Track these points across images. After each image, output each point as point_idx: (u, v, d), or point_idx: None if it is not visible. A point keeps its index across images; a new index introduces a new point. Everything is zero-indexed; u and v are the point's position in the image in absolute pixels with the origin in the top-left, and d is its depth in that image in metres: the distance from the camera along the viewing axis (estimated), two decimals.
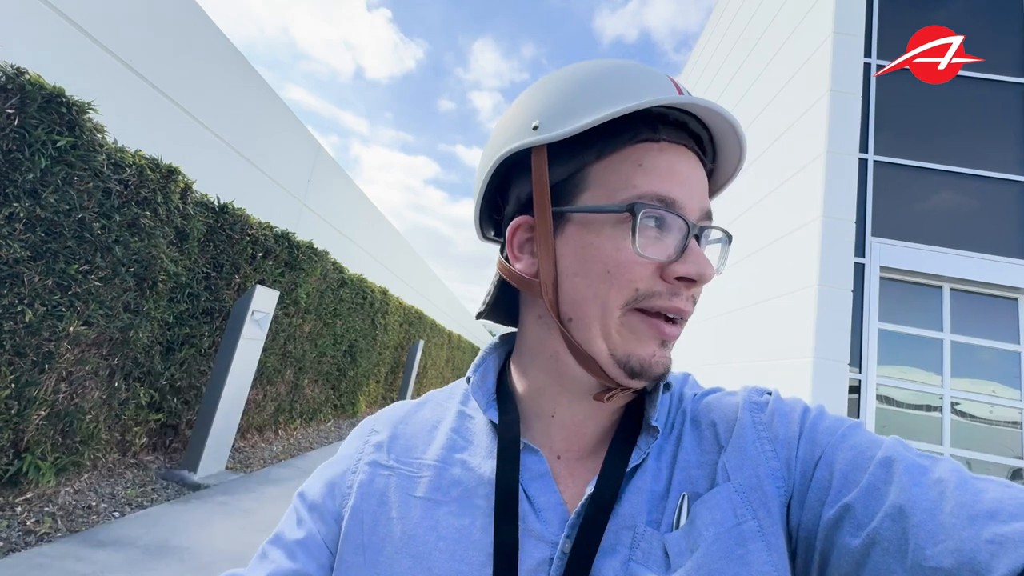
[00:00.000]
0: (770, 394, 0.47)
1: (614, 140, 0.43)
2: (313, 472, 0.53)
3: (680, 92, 0.42)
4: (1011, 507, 0.31)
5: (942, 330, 6.34)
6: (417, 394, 11.34)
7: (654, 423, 0.45)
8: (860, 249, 6.32)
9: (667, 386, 0.49)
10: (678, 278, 0.41)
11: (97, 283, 2.79)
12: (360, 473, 0.49)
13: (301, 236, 5.07)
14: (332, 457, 0.53)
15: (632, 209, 0.41)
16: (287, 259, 4.77)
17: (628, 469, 0.43)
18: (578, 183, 0.44)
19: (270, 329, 4.56)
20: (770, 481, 0.40)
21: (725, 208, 9.02)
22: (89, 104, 2.61)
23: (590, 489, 0.42)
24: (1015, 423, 6.09)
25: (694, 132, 0.45)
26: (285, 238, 4.71)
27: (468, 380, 0.53)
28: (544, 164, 0.45)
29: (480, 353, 0.55)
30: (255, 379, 4.52)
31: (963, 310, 6.40)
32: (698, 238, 0.43)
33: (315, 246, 5.24)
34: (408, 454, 0.49)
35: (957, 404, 6.23)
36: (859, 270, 6.29)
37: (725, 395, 0.48)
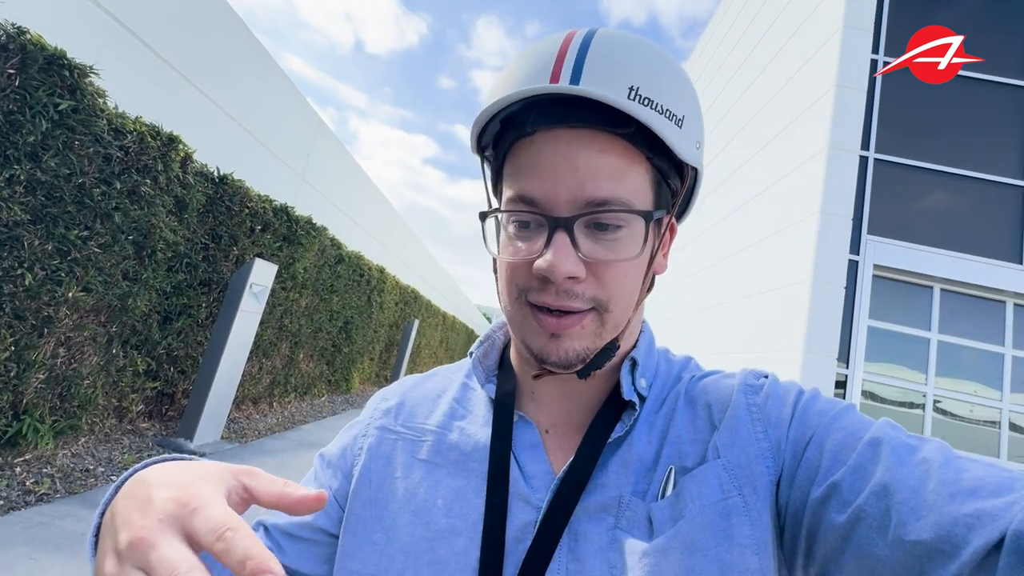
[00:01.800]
0: (767, 377, 0.47)
1: (504, 141, 0.45)
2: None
3: (557, 77, 0.40)
4: (991, 484, 0.32)
5: (930, 329, 6.45)
6: (411, 373, 11.42)
7: (627, 397, 0.47)
8: (855, 246, 6.38)
9: (633, 363, 0.49)
10: (537, 273, 0.41)
11: (96, 249, 2.79)
12: (370, 436, 0.53)
13: (299, 211, 5.05)
14: (351, 421, 0.58)
15: (482, 217, 0.47)
16: (285, 233, 4.76)
17: (612, 440, 0.46)
18: (499, 188, 0.47)
19: (267, 303, 4.57)
20: (759, 461, 0.42)
21: (723, 200, 9.04)
22: (91, 68, 2.58)
23: (571, 459, 0.45)
24: (994, 423, 6.25)
25: (593, 102, 0.40)
26: (284, 212, 4.69)
27: (471, 355, 0.56)
28: (482, 168, 0.51)
29: (487, 330, 0.58)
30: (251, 352, 4.54)
31: (951, 311, 6.50)
32: (569, 229, 0.41)
33: (314, 221, 5.23)
34: (413, 419, 0.54)
35: (939, 402, 6.37)
36: (853, 267, 6.36)
37: (723, 377, 0.49)
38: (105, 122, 2.69)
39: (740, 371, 0.49)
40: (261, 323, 4.57)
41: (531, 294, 0.43)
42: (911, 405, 6.38)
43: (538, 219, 0.42)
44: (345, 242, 6.48)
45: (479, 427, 0.51)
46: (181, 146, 3.31)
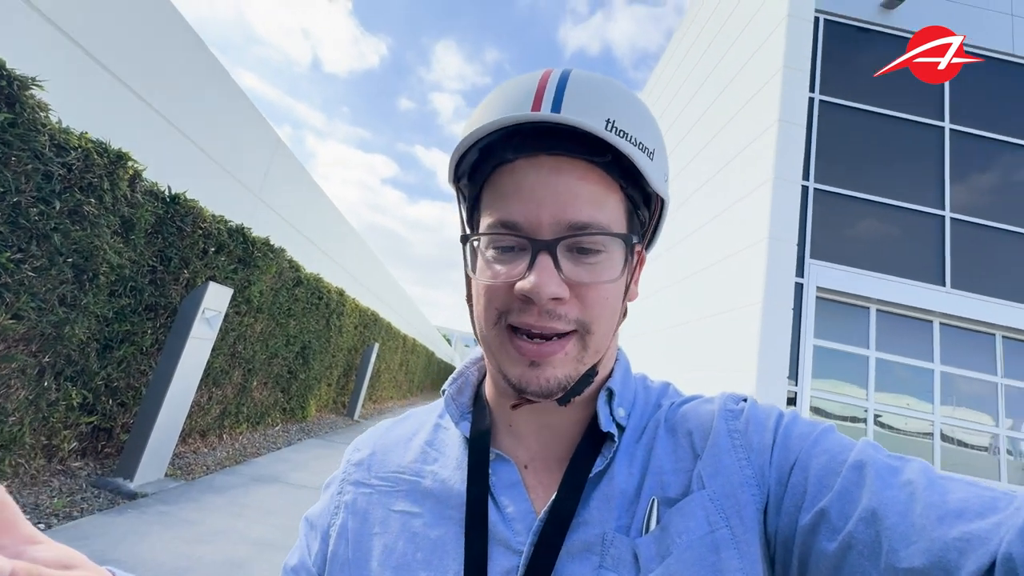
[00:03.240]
0: (745, 400, 0.47)
1: (483, 170, 0.45)
2: None
3: (539, 106, 0.42)
4: (976, 505, 0.33)
5: (868, 348, 6.88)
6: (370, 398, 11.05)
7: (605, 429, 0.46)
8: (800, 270, 6.77)
9: (610, 393, 0.48)
10: (522, 294, 0.41)
11: (31, 273, 2.57)
12: (345, 494, 0.52)
13: (256, 232, 4.86)
14: (329, 477, 0.57)
15: (463, 241, 0.47)
16: (241, 255, 4.55)
17: (593, 475, 0.44)
18: (476, 215, 0.47)
19: (220, 328, 4.34)
20: (744, 489, 0.41)
21: (677, 227, 9.41)
22: (33, 79, 2.42)
23: (554, 496, 0.44)
24: (928, 434, 6.68)
25: (573, 131, 0.41)
26: (240, 233, 4.50)
27: (443, 393, 0.54)
28: (457, 197, 0.51)
29: (459, 367, 0.57)
30: (201, 380, 4.27)
31: (887, 330, 6.97)
32: (552, 252, 0.41)
33: (271, 243, 5.04)
34: (385, 469, 0.52)
35: (879, 416, 6.77)
36: (798, 289, 6.73)
37: (702, 403, 0.49)
38: (47, 137, 2.51)
39: (719, 395, 0.49)
40: (212, 350, 4.32)
41: (512, 316, 0.43)
42: (854, 419, 6.74)
43: (521, 242, 0.42)
44: (304, 264, 6.27)
45: (453, 470, 0.49)
46: (130, 163, 3.13)
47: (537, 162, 0.43)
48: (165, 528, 2.81)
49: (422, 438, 0.54)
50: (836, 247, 7.02)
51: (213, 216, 4.19)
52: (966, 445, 6.70)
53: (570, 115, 0.41)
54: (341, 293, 7.70)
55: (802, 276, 6.82)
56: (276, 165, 7.48)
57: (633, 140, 0.43)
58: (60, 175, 2.63)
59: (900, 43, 7.49)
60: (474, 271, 0.47)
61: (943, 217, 7.15)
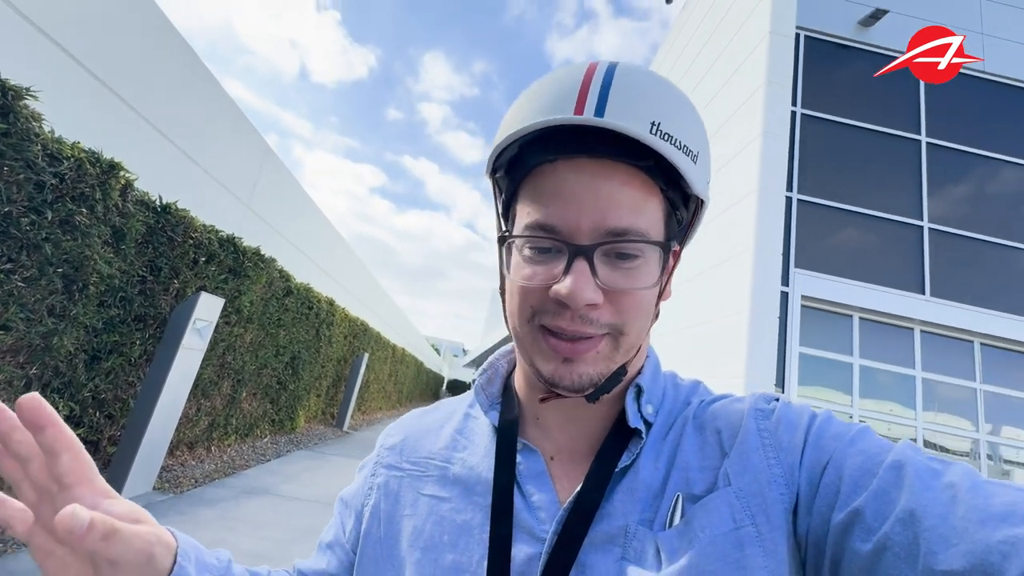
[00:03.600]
0: (777, 400, 0.47)
1: (521, 169, 0.45)
2: None
3: (582, 108, 0.41)
4: (1022, 510, 0.31)
5: (852, 355, 7.02)
6: (359, 409, 10.94)
7: (632, 425, 0.46)
8: (785, 279, 6.90)
9: (639, 390, 0.49)
10: (557, 297, 0.42)
11: (20, 284, 2.54)
12: (379, 476, 0.55)
13: (246, 242, 4.85)
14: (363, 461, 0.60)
15: (500, 241, 0.47)
16: (232, 265, 4.53)
17: (618, 469, 0.45)
18: (513, 210, 0.48)
19: (209, 339, 4.30)
20: (772, 488, 0.40)
21: None
22: (27, 90, 2.42)
23: (579, 488, 0.44)
24: (912, 440, 6.81)
25: (615, 134, 0.41)
26: (231, 243, 4.48)
27: (473, 383, 0.56)
28: (494, 190, 0.51)
29: (489, 358, 0.58)
30: (190, 392, 4.22)
31: (869, 337, 7.11)
32: (589, 257, 0.41)
33: (262, 252, 5.02)
34: (416, 454, 0.54)
35: (863, 422, 6.89)
36: (784, 298, 6.86)
37: (732, 402, 0.49)
38: (40, 147, 2.50)
39: (750, 395, 0.49)
40: (202, 361, 4.28)
41: (545, 318, 0.43)
42: None
43: (558, 245, 0.42)
44: (294, 273, 6.24)
45: (480, 457, 0.50)
46: (122, 173, 3.12)
47: (578, 165, 0.42)
48: None
49: (452, 426, 0.55)
50: (820, 257, 7.17)
51: (204, 226, 4.17)
52: (947, 450, 6.84)
53: (614, 119, 0.40)
54: (331, 303, 7.66)
55: (787, 285, 6.95)
56: (266, 175, 7.46)
57: (678, 144, 0.42)
58: (52, 185, 2.62)
59: (877, 59, 7.75)
60: (508, 269, 0.47)
61: (922, 227, 7.35)
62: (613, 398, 0.48)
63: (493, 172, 0.49)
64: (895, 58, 7.76)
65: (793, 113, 7.44)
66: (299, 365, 6.77)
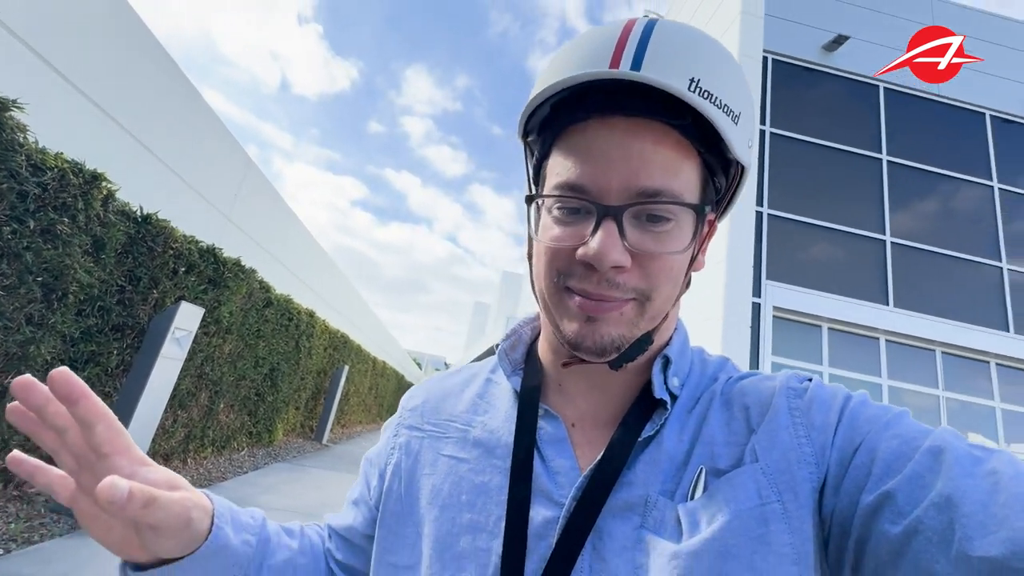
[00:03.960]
0: (810, 380, 0.45)
1: (553, 129, 0.45)
2: None
3: (617, 62, 0.40)
4: None
5: (822, 364, 7.27)
6: (338, 422, 10.83)
7: (658, 395, 0.45)
8: (757, 290, 7.15)
9: (666, 361, 0.47)
10: (582, 259, 0.41)
11: (0, 292, 2.56)
12: (401, 436, 0.56)
13: (227, 252, 4.87)
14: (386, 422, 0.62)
15: (528, 201, 0.47)
16: (212, 275, 4.55)
17: (641, 439, 0.44)
18: (543, 171, 0.47)
19: (188, 349, 4.29)
20: (801, 466, 0.39)
21: None
22: (13, 102, 2.46)
23: (600, 455, 0.44)
24: None
25: (652, 89, 0.39)
26: (211, 253, 4.51)
27: (497, 347, 0.55)
28: (525, 153, 0.51)
29: (513, 325, 0.57)
30: (167, 402, 4.20)
31: (838, 346, 7.38)
32: (618, 218, 0.40)
33: (242, 263, 5.04)
34: (437, 416, 0.55)
35: None
36: (756, 309, 7.09)
37: (763, 379, 0.47)
38: (24, 158, 2.54)
39: (781, 374, 0.47)
40: (180, 371, 4.27)
41: (571, 280, 0.42)
42: None
43: (587, 206, 0.41)
44: (274, 285, 6.25)
45: (501, 421, 0.50)
46: (104, 183, 3.16)
47: (611, 123, 0.41)
48: None
49: (473, 390, 0.56)
50: (790, 269, 7.44)
51: (184, 236, 4.20)
52: None
53: (651, 73, 0.38)
54: (311, 314, 7.65)
55: (759, 296, 7.19)
56: (247, 186, 7.47)
57: (718, 102, 0.40)
58: (35, 195, 2.65)
59: (841, 81, 8.16)
60: (536, 232, 0.46)
61: (884, 241, 7.68)
62: (639, 368, 0.48)
63: (525, 135, 0.49)
64: (858, 81, 8.19)
65: (762, 132, 7.78)
66: (278, 377, 6.74)
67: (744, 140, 0.44)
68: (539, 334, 0.56)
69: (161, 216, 3.99)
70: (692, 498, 0.41)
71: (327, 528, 0.59)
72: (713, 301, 6.86)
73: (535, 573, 0.41)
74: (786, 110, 8.00)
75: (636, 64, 0.39)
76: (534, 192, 0.48)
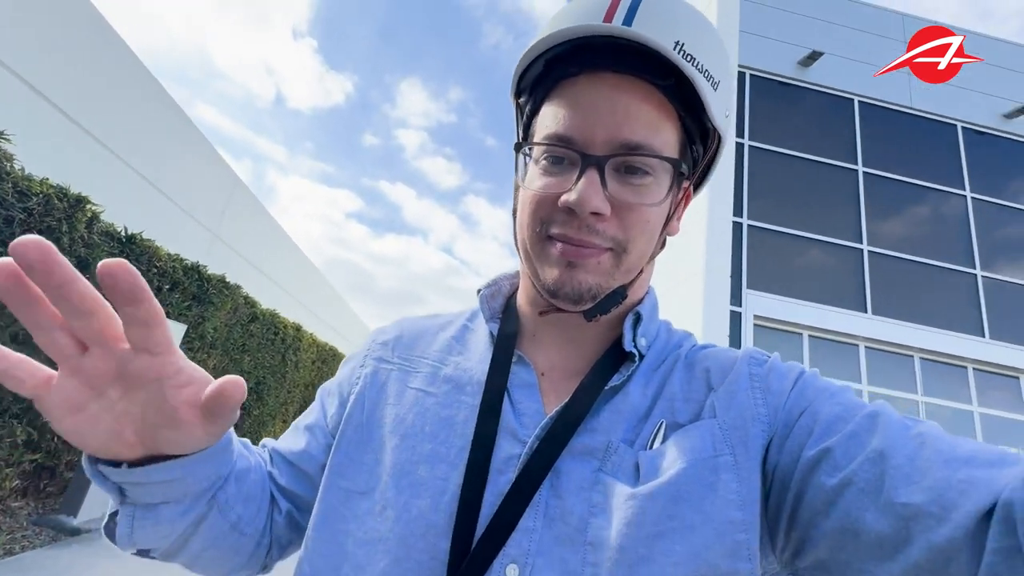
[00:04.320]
0: (770, 356, 0.49)
1: (545, 84, 0.47)
2: None
3: (611, 17, 0.42)
4: (985, 456, 0.33)
5: None
6: None
7: (628, 348, 0.48)
8: (737, 299, 7.30)
9: (638, 317, 0.50)
10: (566, 206, 0.43)
11: None
12: (367, 367, 0.56)
13: (213, 268, 4.99)
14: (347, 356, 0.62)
15: (516, 148, 0.49)
16: (196, 292, 4.66)
17: (608, 387, 0.46)
18: (533, 127, 0.49)
19: None
20: (754, 424, 0.43)
21: None
22: (1, 133, 2.60)
23: (566, 400, 0.46)
24: None
25: (640, 49, 0.42)
26: (195, 271, 4.63)
27: (478, 292, 0.57)
28: (515, 107, 0.52)
29: (494, 276, 0.59)
30: None
31: (818, 354, 7.52)
32: (600, 168, 0.42)
33: (227, 279, 5.16)
34: (409, 351, 0.56)
35: None
36: (736, 317, 7.24)
37: (725, 350, 0.51)
38: (10, 185, 2.68)
39: (742, 349, 0.51)
40: None
41: (554, 226, 0.45)
42: None
43: (571, 155, 0.44)
44: (260, 300, 6.36)
45: (475, 363, 0.52)
46: (88, 206, 3.29)
47: (600, 78, 0.43)
48: (111, 559, 2.85)
49: (449, 333, 0.57)
50: (770, 278, 7.59)
51: (169, 255, 4.32)
52: None
53: (641, 30, 0.41)
54: (298, 328, 7.75)
55: (740, 305, 7.34)
56: (234, 203, 7.61)
57: (700, 67, 0.42)
58: (20, 219, 2.78)
59: (816, 95, 8.40)
60: (523, 181, 0.49)
61: (862, 250, 7.86)
62: (611, 322, 0.51)
63: (517, 94, 0.51)
64: (833, 95, 8.44)
65: (742, 145, 7.99)
66: (264, 391, 6.82)
67: (722, 108, 0.47)
68: (517, 288, 0.58)
69: (148, 235, 4.11)
70: (651, 448, 0.43)
71: (269, 451, 0.57)
72: (692, 312, 7.01)
73: (492, 505, 0.43)
74: (764, 124, 8.21)
75: (628, 20, 0.42)
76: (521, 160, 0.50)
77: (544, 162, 0.46)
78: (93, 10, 4.48)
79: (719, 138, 0.49)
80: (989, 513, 0.30)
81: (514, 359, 0.51)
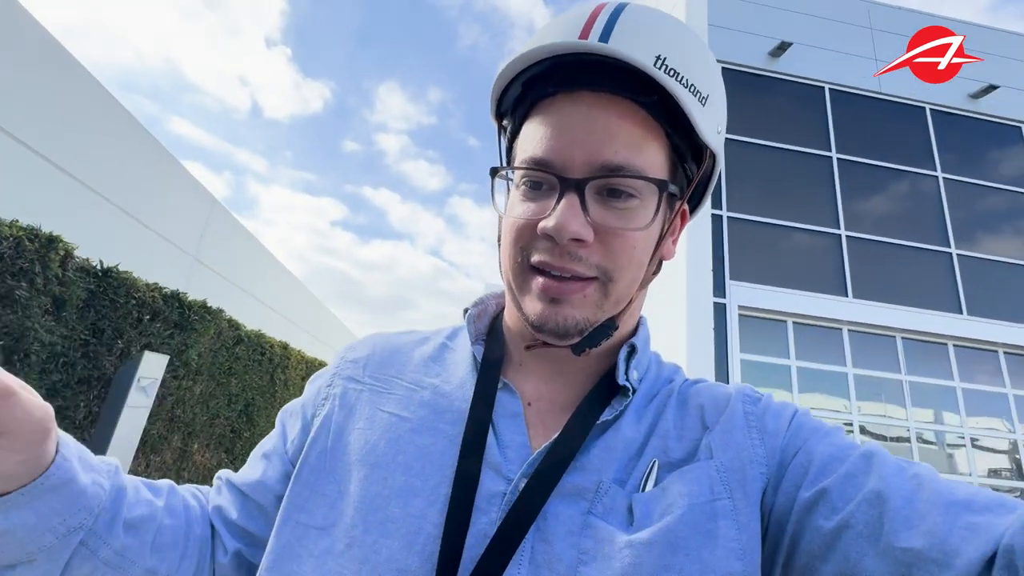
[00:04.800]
0: (762, 396, 0.48)
1: (525, 104, 0.45)
2: None
3: (587, 34, 0.40)
4: (983, 500, 0.33)
5: (789, 357, 7.53)
6: None
7: (622, 382, 0.45)
8: (720, 291, 7.40)
9: (632, 349, 0.48)
10: (545, 233, 0.41)
11: None
12: (336, 387, 0.51)
13: (194, 293, 4.95)
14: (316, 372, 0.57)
15: (493, 174, 0.46)
16: (177, 320, 4.63)
17: (599, 422, 0.44)
18: (514, 150, 0.47)
19: (156, 394, 4.37)
20: (753, 466, 0.41)
21: None
22: None
23: (556, 435, 0.43)
24: (849, 431, 7.30)
25: (620, 66, 0.40)
26: (175, 299, 4.59)
27: (465, 312, 0.53)
28: (498, 128, 0.50)
29: (481, 296, 0.56)
30: (138, 448, 4.27)
31: (803, 340, 7.66)
32: (580, 191, 0.40)
33: (209, 304, 5.12)
34: (382, 371, 0.51)
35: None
36: (720, 309, 7.34)
37: (716, 385, 0.50)
38: None
39: (733, 385, 0.50)
40: (149, 417, 4.34)
41: (535, 254, 0.42)
42: None
43: (550, 179, 0.41)
44: (245, 320, 6.32)
45: (455, 387, 0.48)
46: (61, 244, 3.26)
47: (577, 97, 0.41)
48: None
49: (426, 352, 0.53)
50: (752, 268, 7.72)
51: (147, 285, 4.29)
52: (885, 437, 7.37)
53: (618, 46, 0.39)
54: (285, 347, 7.71)
55: (724, 297, 7.45)
56: (213, 225, 7.55)
57: (684, 81, 0.41)
58: None
59: (787, 85, 8.53)
60: (504, 209, 0.47)
61: (839, 235, 8.01)
62: (601, 355, 0.48)
63: (499, 116, 0.49)
64: (805, 84, 8.56)
65: None
66: (253, 412, 6.79)
67: (713, 124, 0.45)
68: (503, 309, 0.55)
69: (125, 265, 4.08)
70: (644, 489, 0.41)
71: (223, 481, 0.53)
72: (676, 304, 7.10)
73: (473, 548, 0.39)
74: (738, 116, 8.32)
75: (605, 37, 0.40)
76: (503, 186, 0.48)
77: (524, 187, 0.44)
78: (47, 34, 4.41)
79: (713, 155, 0.47)
80: (991, 560, 0.30)
81: (500, 386, 0.47)
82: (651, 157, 0.42)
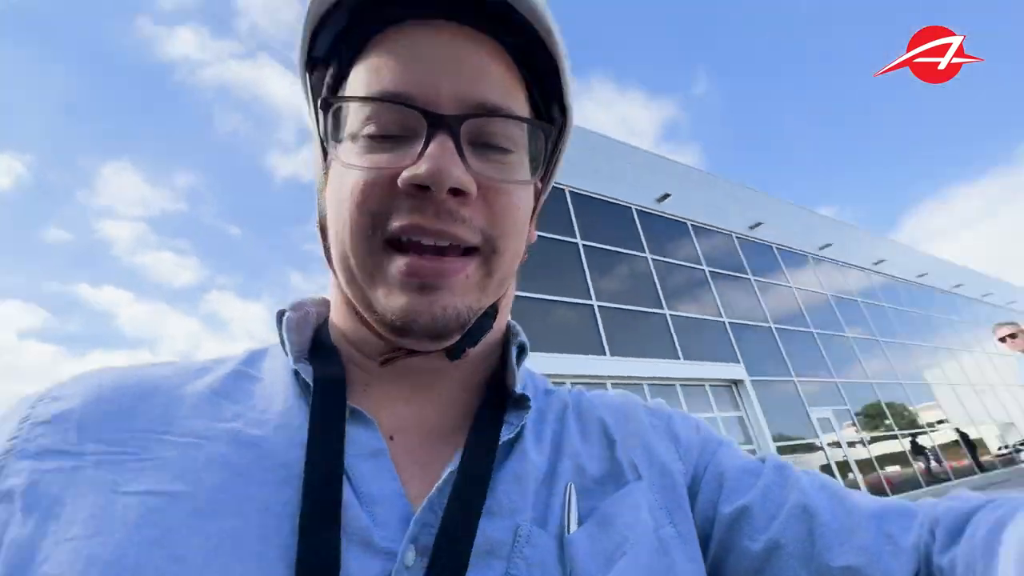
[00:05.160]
0: (648, 401, 0.45)
1: (352, 41, 0.33)
2: None
3: None
4: (895, 505, 0.34)
5: None
6: None
7: (520, 391, 0.36)
8: None
9: (522, 347, 0.40)
10: (412, 184, 0.30)
11: None
12: (14, 476, 0.28)
13: None
14: None
15: (325, 107, 0.33)
16: None
17: (501, 442, 0.33)
18: (339, 102, 0.34)
19: None
20: (680, 481, 0.37)
21: None
22: None
23: (451, 468, 0.31)
24: None
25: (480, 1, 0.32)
26: None
27: (279, 318, 0.38)
28: (307, 88, 0.36)
29: (295, 300, 0.41)
30: None
31: None
32: (454, 132, 0.30)
33: None
34: (117, 427, 0.30)
35: None
36: None
37: (605, 394, 0.44)
38: None
39: (617, 392, 0.45)
40: None
41: (396, 218, 0.31)
42: None
43: (410, 119, 0.31)
44: None
45: (272, 429, 0.32)
46: None
47: (435, 26, 0.32)
48: None
49: (206, 385, 0.34)
50: (535, 338, 8.55)
51: None
52: None
53: None
54: None
55: None
56: None
57: (556, 29, 0.33)
58: None
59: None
60: (333, 170, 0.34)
61: (592, 306, 9.61)
62: (476, 359, 0.38)
63: (310, 67, 0.35)
64: (552, 188, 10.44)
65: None
66: None
67: (571, 85, 0.37)
68: (326, 320, 0.41)
69: None
70: (570, 527, 0.32)
71: None
72: None
73: None
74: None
75: None
76: (326, 144, 0.34)
77: (364, 140, 0.32)
78: None
79: (563, 126, 0.39)
80: (927, 542, 0.31)
81: (347, 414, 0.33)
82: (521, 109, 0.34)
